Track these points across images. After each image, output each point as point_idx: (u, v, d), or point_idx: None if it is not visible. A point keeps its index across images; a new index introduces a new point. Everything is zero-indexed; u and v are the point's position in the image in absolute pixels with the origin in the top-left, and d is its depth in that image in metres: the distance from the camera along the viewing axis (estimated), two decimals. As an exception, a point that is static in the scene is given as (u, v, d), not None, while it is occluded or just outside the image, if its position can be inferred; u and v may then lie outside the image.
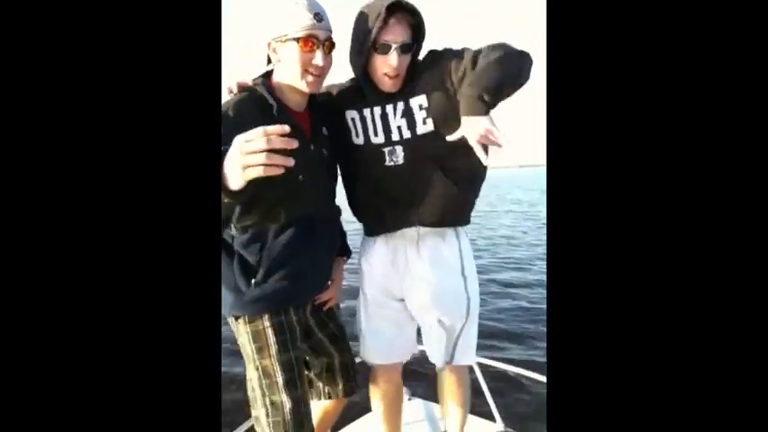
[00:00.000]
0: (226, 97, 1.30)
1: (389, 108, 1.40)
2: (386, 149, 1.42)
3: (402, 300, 1.57)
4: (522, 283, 6.85)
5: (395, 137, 1.40)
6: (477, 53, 1.32)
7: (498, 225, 14.13)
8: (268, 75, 1.38)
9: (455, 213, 1.50)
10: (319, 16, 1.27)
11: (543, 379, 2.12)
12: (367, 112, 1.43)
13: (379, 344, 1.61)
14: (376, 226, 1.55)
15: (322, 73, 1.30)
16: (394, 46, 1.31)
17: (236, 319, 1.39)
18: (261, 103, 1.28)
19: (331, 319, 1.59)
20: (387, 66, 1.33)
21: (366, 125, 1.43)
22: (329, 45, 1.30)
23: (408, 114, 1.39)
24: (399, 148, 1.41)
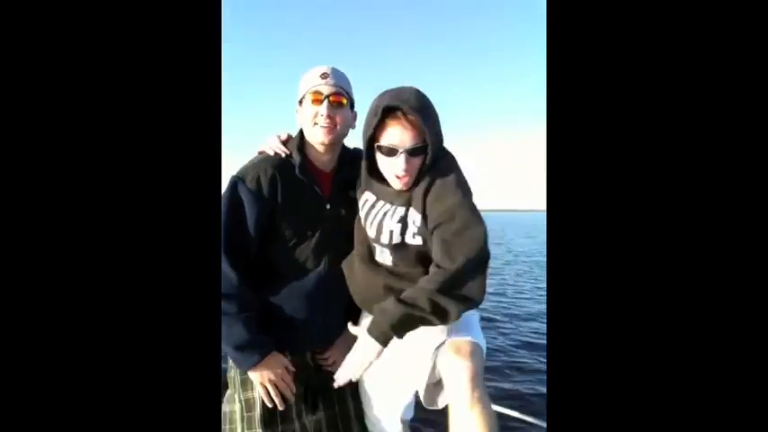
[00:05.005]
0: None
1: (391, 209, 1.34)
2: (375, 245, 1.39)
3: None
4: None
5: (384, 239, 1.33)
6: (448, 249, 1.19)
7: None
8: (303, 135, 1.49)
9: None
10: (325, 74, 1.41)
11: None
12: (379, 204, 1.38)
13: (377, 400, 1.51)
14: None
15: (330, 124, 1.40)
16: (401, 150, 1.25)
17: None
18: (285, 162, 1.43)
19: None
20: (396, 169, 1.27)
21: (369, 214, 1.39)
22: (335, 99, 1.40)
23: (404, 222, 1.31)
24: (387, 251, 1.36)
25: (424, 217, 1.27)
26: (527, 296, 10.44)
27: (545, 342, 0.74)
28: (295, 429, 1.42)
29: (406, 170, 1.26)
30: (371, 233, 1.37)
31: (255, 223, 1.36)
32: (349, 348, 1.35)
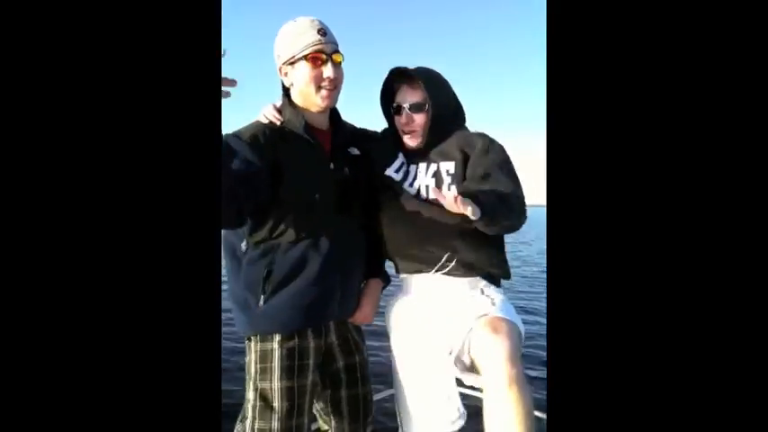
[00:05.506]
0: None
1: (422, 166, 1.48)
2: (414, 200, 1.47)
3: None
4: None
5: (423, 194, 1.46)
6: (490, 170, 1.37)
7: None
8: (288, 95, 1.40)
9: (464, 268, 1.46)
10: (323, 31, 1.31)
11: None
12: (413, 167, 1.51)
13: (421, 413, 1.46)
14: (401, 264, 1.54)
15: (334, 86, 1.33)
16: (404, 106, 1.44)
17: (249, 339, 1.36)
18: (281, 127, 1.35)
19: (358, 352, 1.48)
20: (400, 124, 1.47)
21: (408, 174, 1.51)
22: (337, 58, 1.33)
23: (437, 176, 1.45)
24: (426, 205, 1.45)
25: (460, 167, 1.41)
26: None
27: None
28: (304, 422, 1.33)
29: (405, 123, 1.45)
30: (412, 191, 1.48)
31: (254, 174, 1.23)
32: (377, 302, 1.51)
